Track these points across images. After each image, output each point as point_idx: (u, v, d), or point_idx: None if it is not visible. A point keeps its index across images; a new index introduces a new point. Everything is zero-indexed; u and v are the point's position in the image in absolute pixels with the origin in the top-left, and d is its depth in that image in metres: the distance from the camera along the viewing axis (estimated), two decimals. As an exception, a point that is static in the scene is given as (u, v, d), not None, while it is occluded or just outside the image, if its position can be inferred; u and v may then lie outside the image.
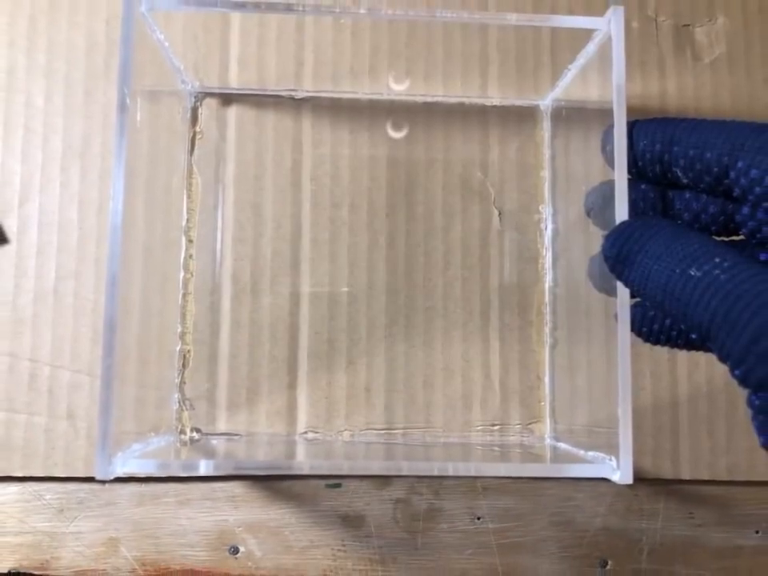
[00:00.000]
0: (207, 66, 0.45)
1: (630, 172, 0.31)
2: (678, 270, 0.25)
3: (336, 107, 0.46)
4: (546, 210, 0.46)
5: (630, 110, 0.32)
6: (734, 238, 0.29)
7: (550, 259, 0.46)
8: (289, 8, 0.36)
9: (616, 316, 0.31)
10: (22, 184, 0.44)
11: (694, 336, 0.29)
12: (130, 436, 0.36)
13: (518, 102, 0.46)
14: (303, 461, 0.41)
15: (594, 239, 0.32)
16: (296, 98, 0.46)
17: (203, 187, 0.45)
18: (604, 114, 0.33)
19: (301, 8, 0.35)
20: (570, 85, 0.43)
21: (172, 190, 0.43)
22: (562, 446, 0.42)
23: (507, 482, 0.45)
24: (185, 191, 0.45)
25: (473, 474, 0.37)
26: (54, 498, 0.43)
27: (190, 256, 0.45)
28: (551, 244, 0.46)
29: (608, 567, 0.44)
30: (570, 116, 0.44)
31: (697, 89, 0.47)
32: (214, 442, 0.43)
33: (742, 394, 0.24)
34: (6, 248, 0.44)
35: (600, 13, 0.35)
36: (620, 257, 0.27)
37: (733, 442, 0.45)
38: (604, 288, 0.33)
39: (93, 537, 0.43)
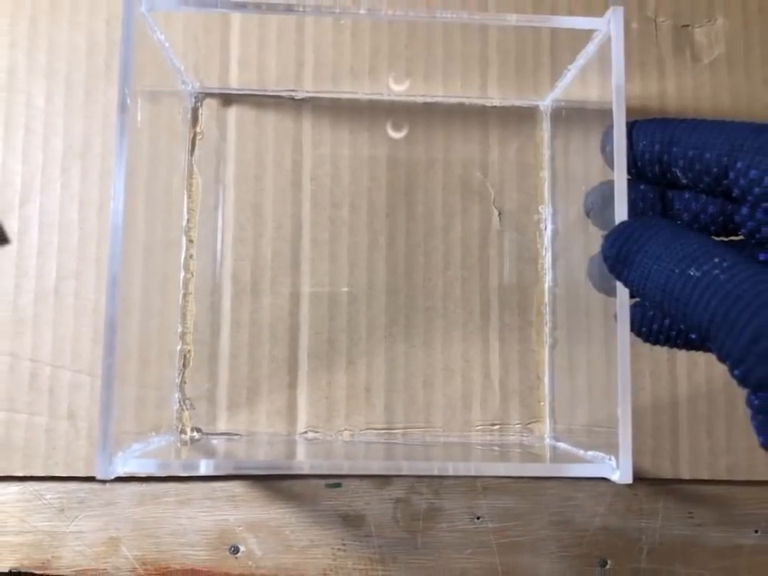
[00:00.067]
0: (207, 67, 0.45)
1: (629, 172, 0.31)
2: (677, 270, 0.25)
3: (336, 107, 0.46)
4: (546, 211, 0.46)
5: (630, 111, 0.32)
6: (733, 238, 0.29)
7: (550, 259, 0.46)
8: (289, 9, 0.36)
9: (615, 316, 0.31)
10: (22, 184, 0.44)
11: (693, 336, 0.29)
12: (131, 436, 0.36)
13: (518, 103, 0.47)
14: (303, 460, 0.41)
15: (594, 239, 0.32)
16: (296, 98, 0.46)
17: (203, 187, 0.45)
18: (603, 115, 0.33)
19: (301, 9, 0.35)
20: (569, 85, 0.43)
21: (172, 190, 0.43)
22: (562, 445, 0.43)
23: (507, 482, 0.45)
24: (185, 191, 0.45)
25: (473, 473, 0.37)
26: (54, 498, 0.43)
27: (191, 256, 0.45)
28: (551, 244, 0.46)
29: (607, 567, 0.44)
30: (569, 116, 0.44)
31: (696, 89, 0.47)
32: (215, 441, 0.44)
33: (741, 393, 0.24)
34: (7, 248, 0.44)
35: (600, 13, 0.35)
36: (619, 257, 0.28)
37: (732, 441, 0.45)
38: (603, 288, 0.33)
39: (93, 536, 0.43)
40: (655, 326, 0.30)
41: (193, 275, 0.45)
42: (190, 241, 0.45)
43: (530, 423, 0.45)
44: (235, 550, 0.43)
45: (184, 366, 0.44)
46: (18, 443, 0.43)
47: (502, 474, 0.44)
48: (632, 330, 0.31)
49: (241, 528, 0.44)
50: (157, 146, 0.40)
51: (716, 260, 0.24)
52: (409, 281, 0.45)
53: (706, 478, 0.45)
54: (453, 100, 0.46)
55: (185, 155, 0.45)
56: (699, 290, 0.24)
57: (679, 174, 0.29)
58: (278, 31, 0.45)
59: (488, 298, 0.45)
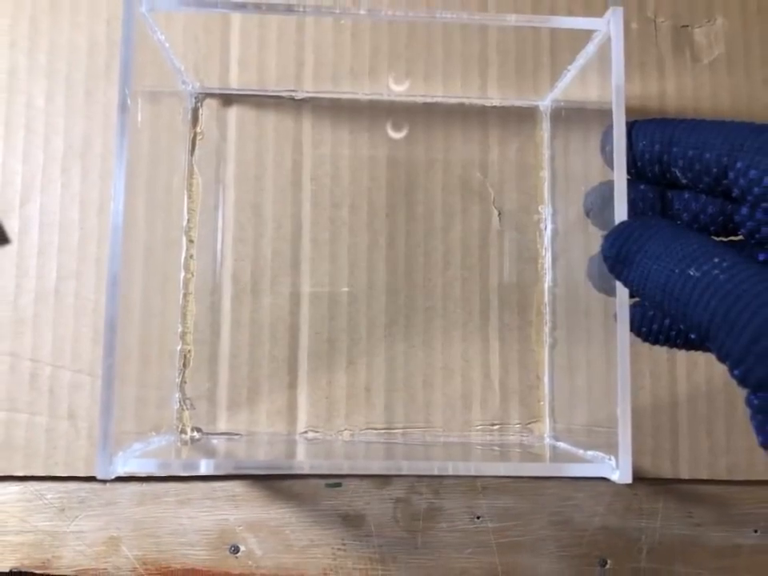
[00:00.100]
0: (208, 67, 0.45)
1: (629, 172, 0.31)
2: (677, 270, 0.25)
3: (336, 108, 0.46)
4: (546, 210, 0.46)
5: (629, 111, 0.32)
6: (733, 238, 0.29)
7: (550, 259, 0.46)
8: (289, 9, 0.36)
9: (615, 316, 0.31)
10: (23, 184, 0.44)
11: (693, 336, 0.29)
12: (131, 435, 0.36)
13: (518, 103, 0.47)
14: (303, 460, 0.41)
15: (594, 239, 0.32)
16: (296, 98, 0.46)
17: (204, 187, 0.45)
18: (603, 115, 0.33)
19: (301, 9, 0.35)
20: (569, 85, 0.43)
21: (173, 190, 0.43)
22: (562, 445, 0.43)
23: (507, 482, 0.45)
24: (185, 191, 0.45)
25: (472, 473, 0.37)
26: (55, 498, 0.43)
27: (191, 256, 0.45)
28: (551, 244, 0.46)
29: (607, 566, 0.44)
30: (569, 116, 0.44)
31: (696, 89, 0.47)
32: (215, 441, 0.44)
33: (740, 393, 0.24)
34: (8, 248, 0.44)
35: (599, 14, 0.35)
36: (619, 257, 0.28)
37: (732, 441, 0.45)
38: (603, 288, 0.33)
39: (94, 536, 0.43)
40: (655, 325, 0.30)
41: (193, 275, 0.45)
42: (191, 241, 0.45)
43: (529, 423, 0.45)
44: (235, 550, 0.43)
45: (184, 365, 0.44)
46: (18, 443, 0.43)
47: (502, 474, 0.44)
48: (632, 329, 0.31)
49: (241, 528, 0.44)
50: (157, 146, 0.40)
51: (716, 260, 0.24)
52: (409, 281, 0.45)
53: (705, 477, 0.45)
54: (453, 100, 0.46)
55: (185, 155, 0.45)
56: (699, 290, 0.24)
57: (679, 174, 0.29)
58: (278, 31, 0.45)
59: (488, 297, 0.45)
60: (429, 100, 0.46)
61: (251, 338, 0.44)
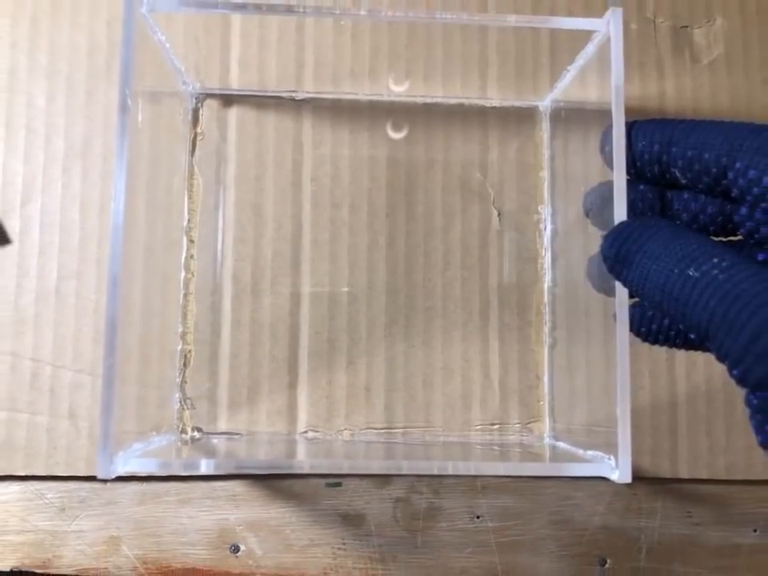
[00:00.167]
0: (208, 67, 0.45)
1: (628, 172, 0.31)
2: (676, 270, 0.25)
3: (336, 108, 0.46)
4: (545, 211, 0.46)
5: (629, 111, 0.32)
6: (732, 238, 0.30)
7: (549, 259, 0.46)
8: (289, 10, 0.36)
9: (615, 316, 0.32)
10: (24, 184, 0.44)
11: (692, 336, 0.29)
12: (132, 435, 0.36)
13: (518, 103, 0.47)
14: (303, 460, 0.41)
15: (593, 239, 0.32)
16: (296, 99, 0.46)
17: (204, 188, 0.45)
18: (603, 115, 0.33)
19: (301, 9, 0.36)
20: (568, 86, 0.43)
21: (173, 190, 0.44)
22: (561, 445, 0.43)
23: (506, 481, 0.45)
24: (186, 192, 0.45)
25: (472, 473, 0.37)
26: (55, 497, 0.43)
27: (191, 256, 0.45)
28: (550, 244, 0.46)
29: (607, 566, 0.45)
30: (568, 117, 0.44)
31: (695, 90, 0.47)
32: (215, 441, 0.44)
33: (740, 393, 0.24)
34: (8, 248, 0.44)
35: (599, 14, 0.35)
36: (619, 257, 0.28)
37: (731, 441, 0.45)
38: (603, 288, 0.33)
39: (94, 535, 0.43)
40: (654, 325, 0.31)
41: (193, 275, 0.45)
42: (191, 241, 0.45)
43: (529, 423, 0.45)
44: (236, 549, 0.44)
45: (185, 365, 0.44)
46: (19, 443, 0.43)
47: (502, 474, 0.43)
48: (631, 329, 0.31)
49: (241, 527, 0.44)
50: (157, 147, 0.40)
51: (715, 260, 0.24)
52: (409, 281, 0.45)
53: (704, 477, 0.45)
54: (452, 101, 0.46)
55: (185, 156, 0.45)
56: (698, 290, 0.24)
57: (678, 175, 0.29)
58: (279, 32, 0.46)
59: (487, 297, 0.46)
60: (429, 100, 0.46)
61: (251, 337, 0.44)
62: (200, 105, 0.46)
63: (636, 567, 0.45)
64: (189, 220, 0.45)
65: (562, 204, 0.45)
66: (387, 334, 0.45)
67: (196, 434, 0.44)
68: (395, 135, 0.46)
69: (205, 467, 0.35)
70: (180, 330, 0.44)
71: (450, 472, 0.35)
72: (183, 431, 0.44)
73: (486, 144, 0.46)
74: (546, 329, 0.46)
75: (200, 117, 0.46)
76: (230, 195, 0.45)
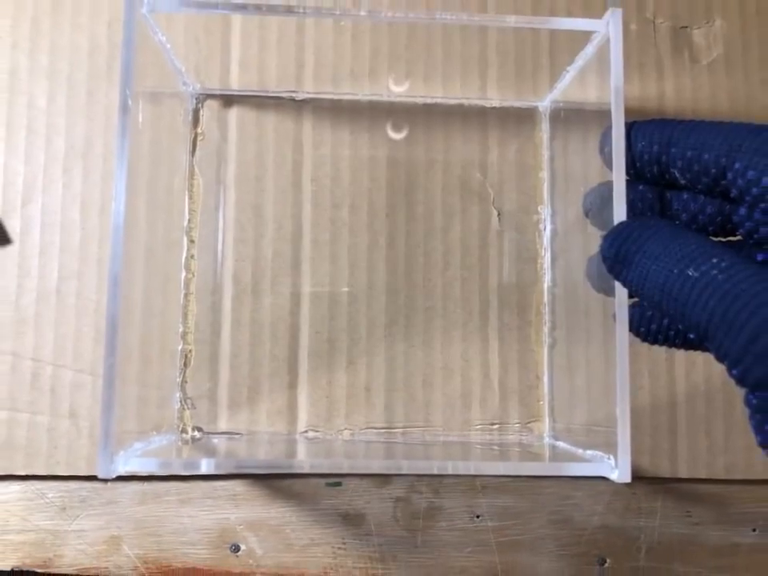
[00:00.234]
0: (208, 68, 0.45)
1: (628, 173, 0.31)
2: (675, 270, 0.25)
3: (336, 109, 0.46)
4: (545, 211, 0.46)
5: (628, 112, 0.32)
6: (732, 238, 0.30)
7: (549, 259, 0.46)
8: (289, 10, 0.36)
9: (614, 316, 0.32)
10: (24, 185, 0.44)
11: (691, 336, 0.29)
12: (132, 435, 0.36)
13: (517, 104, 0.47)
14: (304, 459, 0.41)
15: (593, 240, 0.32)
16: (297, 99, 0.46)
17: (204, 188, 0.45)
18: (602, 116, 0.33)
19: (301, 10, 0.36)
20: (568, 86, 0.43)
21: (174, 190, 0.44)
22: (561, 444, 0.43)
23: (506, 481, 0.45)
24: (186, 192, 0.45)
25: (472, 472, 0.37)
26: (56, 497, 0.43)
27: (192, 256, 0.45)
28: (550, 244, 0.46)
29: (606, 565, 0.45)
30: (568, 117, 0.44)
31: (694, 90, 0.47)
32: (215, 440, 0.44)
33: (739, 393, 0.24)
34: (9, 248, 0.44)
35: (598, 15, 0.35)
36: (618, 257, 0.28)
37: (730, 440, 0.45)
38: (602, 288, 0.33)
39: (95, 535, 0.43)
40: (654, 325, 0.31)
41: (194, 275, 0.45)
42: (191, 241, 0.45)
43: (529, 422, 0.45)
44: (236, 549, 0.44)
45: (185, 365, 0.44)
46: (19, 442, 0.43)
47: (502, 473, 0.44)
48: (630, 329, 0.31)
49: (241, 527, 0.44)
50: (158, 147, 0.40)
51: (714, 260, 0.24)
52: (409, 281, 0.45)
53: (704, 477, 0.45)
54: (452, 101, 0.47)
55: (186, 156, 0.45)
56: (697, 290, 0.24)
57: (678, 175, 0.29)
58: (279, 33, 0.46)
59: (487, 297, 0.46)
60: (429, 101, 0.46)
61: (252, 337, 0.44)
62: (200, 105, 0.46)
63: (635, 567, 0.45)
64: (189, 220, 0.45)
65: (561, 204, 0.45)
66: (387, 333, 0.45)
67: (196, 434, 0.44)
68: (395, 135, 0.46)
69: (205, 467, 0.35)
70: (180, 329, 0.44)
71: (450, 472, 0.35)
72: (184, 431, 0.44)
73: (485, 144, 0.46)
74: (546, 329, 0.46)
75: (200, 117, 0.46)
76: (230, 195, 0.45)
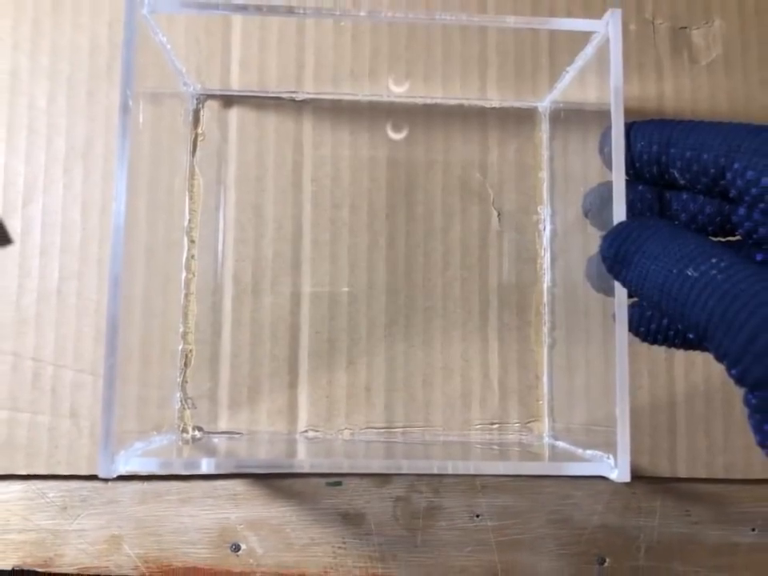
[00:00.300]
0: (209, 69, 0.45)
1: (627, 173, 0.31)
2: (675, 270, 0.25)
3: (336, 109, 0.46)
4: (545, 211, 0.46)
5: (628, 112, 0.32)
6: (731, 238, 0.30)
7: (549, 259, 0.46)
8: (290, 11, 0.36)
9: (614, 316, 0.32)
10: (25, 185, 0.44)
11: (691, 335, 0.29)
12: (133, 435, 0.36)
13: (517, 104, 0.47)
14: (304, 459, 0.41)
15: (592, 240, 0.32)
16: (297, 99, 0.46)
17: (205, 188, 0.45)
18: (602, 116, 0.33)
19: (302, 11, 0.36)
20: (568, 87, 0.43)
21: (174, 191, 0.44)
22: (561, 444, 0.43)
23: (506, 480, 0.45)
24: (187, 192, 0.45)
25: (472, 472, 0.37)
26: (57, 496, 0.43)
27: (192, 256, 0.45)
28: (549, 244, 0.46)
29: (606, 564, 0.45)
30: (568, 118, 0.44)
31: (694, 91, 0.47)
32: (216, 440, 0.44)
33: (738, 392, 0.24)
34: (10, 248, 0.44)
35: (598, 15, 0.35)
36: (617, 257, 0.28)
37: (729, 440, 0.45)
38: (602, 288, 0.33)
39: (96, 534, 0.43)
40: (653, 325, 0.31)
41: (194, 275, 0.45)
42: (192, 241, 0.45)
43: (528, 422, 0.45)
44: (236, 548, 0.44)
45: (185, 365, 0.44)
46: (20, 442, 0.43)
47: (501, 473, 0.44)
48: (630, 329, 0.32)
49: (242, 526, 0.44)
50: (158, 148, 0.40)
51: (713, 260, 0.24)
52: (408, 281, 0.45)
53: (703, 476, 0.45)
54: (452, 101, 0.47)
55: (186, 156, 0.45)
56: (697, 290, 0.24)
57: (677, 175, 0.29)
58: (279, 33, 0.46)
59: (487, 297, 0.46)
60: (428, 101, 0.46)
61: (252, 337, 0.45)
62: (201, 105, 0.46)
63: (635, 566, 0.45)
64: (190, 220, 0.45)
65: (561, 204, 0.45)
66: (387, 333, 0.45)
67: (197, 434, 0.44)
68: (395, 136, 0.46)
69: (205, 466, 0.35)
70: (181, 329, 0.44)
71: (450, 471, 0.35)
72: (184, 430, 0.44)
73: (485, 145, 0.47)
74: (546, 329, 0.46)
75: (201, 117, 0.46)
76: (230, 196, 0.45)
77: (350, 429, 0.44)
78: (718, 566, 0.45)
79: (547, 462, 0.41)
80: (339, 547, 0.44)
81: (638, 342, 0.32)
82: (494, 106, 0.47)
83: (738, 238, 0.29)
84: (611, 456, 0.33)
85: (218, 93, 0.46)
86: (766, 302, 0.22)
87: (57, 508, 0.43)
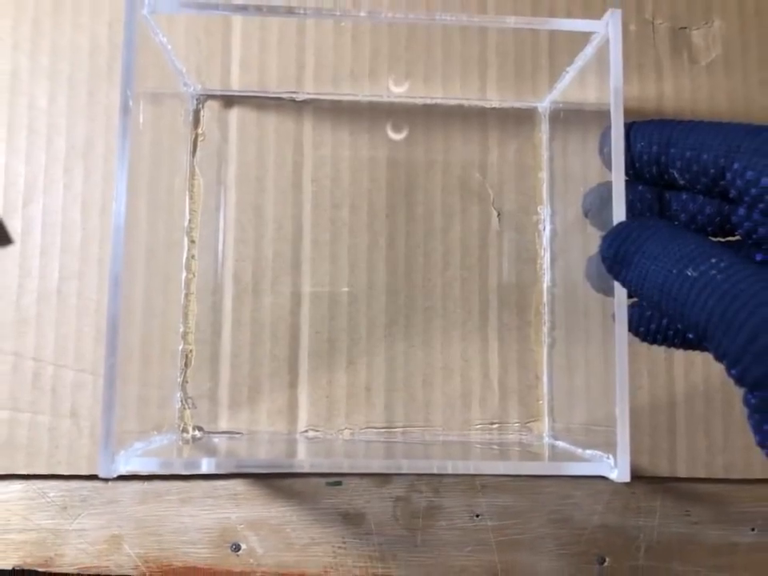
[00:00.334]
0: (209, 69, 0.45)
1: (627, 173, 0.31)
2: (674, 271, 0.25)
3: (336, 109, 0.46)
4: (545, 211, 0.46)
5: (628, 112, 0.32)
6: (730, 238, 0.30)
7: (548, 260, 0.46)
8: (290, 11, 0.36)
9: (613, 316, 0.32)
10: (25, 185, 0.44)
11: (690, 335, 0.29)
12: (133, 434, 0.36)
13: (517, 104, 0.47)
14: (304, 459, 0.41)
15: (592, 240, 0.33)
16: (297, 100, 0.46)
17: (205, 188, 0.45)
18: (602, 116, 0.33)
19: (302, 11, 0.36)
20: (567, 87, 0.43)
21: (174, 191, 0.44)
22: (561, 444, 0.43)
23: (506, 480, 0.45)
24: (187, 192, 0.45)
25: (472, 472, 0.37)
26: (57, 496, 0.43)
27: (192, 256, 0.45)
28: (549, 244, 0.46)
29: (605, 564, 0.45)
30: (567, 118, 0.44)
31: (693, 91, 0.47)
32: (216, 440, 0.44)
33: (738, 392, 0.24)
34: (10, 248, 0.44)
35: (598, 16, 0.35)
36: (617, 257, 0.28)
37: (729, 440, 0.45)
38: (602, 288, 0.33)
39: (96, 534, 0.43)
40: (653, 325, 0.31)
41: (194, 275, 0.45)
42: (192, 241, 0.45)
43: (528, 422, 0.45)
44: (236, 548, 0.44)
45: (186, 365, 0.44)
46: (21, 442, 0.43)
47: (501, 473, 0.44)
48: (630, 329, 0.32)
49: (242, 526, 0.44)
50: (159, 148, 0.40)
51: (713, 260, 0.24)
52: (408, 281, 0.45)
53: (703, 476, 0.45)
54: (452, 102, 0.47)
55: (186, 156, 0.45)
56: (696, 290, 0.24)
57: (677, 175, 0.29)
58: (279, 34, 0.46)
59: (487, 297, 0.46)
60: (428, 101, 0.47)
61: (252, 337, 0.45)
62: (201, 106, 0.46)
63: (635, 566, 0.45)
64: (190, 220, 0.45)
65: (561, 205, 0.45)
66: (387, 333, 0.45)
67: (197, 434, 0.44)
68: (395, 136, 0.46)
69: (206, 466, 0.35)
70: (181, 329, 0.44)
71: (450, 471, 0.35)
72: (184, 430, 0.44)
73: (485, 145, 0.47)
74: (545, 329, 0.46)
75: (201, 118, 0.46)
76: (230, 196, 0.45)
77: (350, 429, 0.45)
78: (717, 565, 0.45)
79: (547, 461, 0.41)
80: (339, 547, 0.44)
81: (637, 342, 0.32)
82: (493, 106, 0.47)
83: (737, 238, 0.29)
84: (611, 456, 0.33)
85: (218, 93, 0.46)
86: (766, 302, 0.22)
87: (57, 508, 0.43)
